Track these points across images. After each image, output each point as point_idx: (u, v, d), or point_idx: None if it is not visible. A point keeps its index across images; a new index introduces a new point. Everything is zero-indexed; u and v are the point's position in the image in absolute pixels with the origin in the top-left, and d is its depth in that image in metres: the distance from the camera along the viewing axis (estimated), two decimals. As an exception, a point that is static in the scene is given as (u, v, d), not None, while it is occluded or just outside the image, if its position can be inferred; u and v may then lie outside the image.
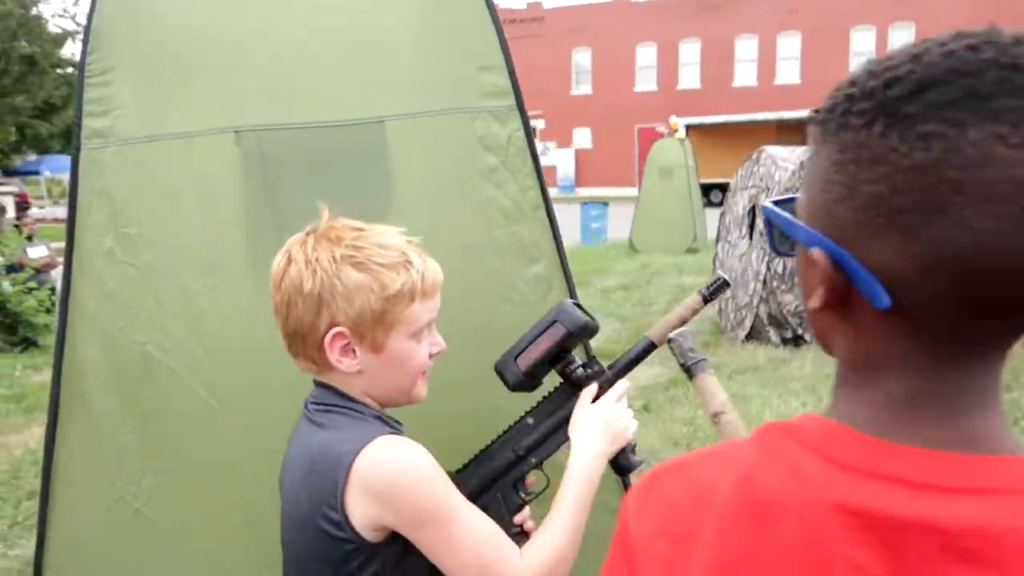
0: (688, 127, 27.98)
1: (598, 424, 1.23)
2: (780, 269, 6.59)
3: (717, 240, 8.30)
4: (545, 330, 1.27)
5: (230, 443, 1.54)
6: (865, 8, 31.18)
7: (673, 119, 27.20)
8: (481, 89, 1.59)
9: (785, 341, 6.64)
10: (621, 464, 1.26)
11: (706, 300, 1.35)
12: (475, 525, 1.06)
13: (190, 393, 1.52)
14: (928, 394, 0.56)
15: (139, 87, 1.58)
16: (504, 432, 1.24)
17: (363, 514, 1.01)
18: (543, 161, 30.51)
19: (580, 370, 1.28)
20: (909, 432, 0.55)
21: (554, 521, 1.14)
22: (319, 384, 1.15)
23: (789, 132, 27.47)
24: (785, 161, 6.87)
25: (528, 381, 1.26)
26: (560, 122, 36.90)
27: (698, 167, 15.25)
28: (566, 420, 1.26)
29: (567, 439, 1.25)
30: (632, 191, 15.78)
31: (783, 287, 6.59)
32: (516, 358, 1.25)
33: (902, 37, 31.29)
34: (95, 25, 1.54)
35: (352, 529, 1.01)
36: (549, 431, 1.25)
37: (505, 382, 1.25)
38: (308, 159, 1.58)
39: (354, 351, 1.09)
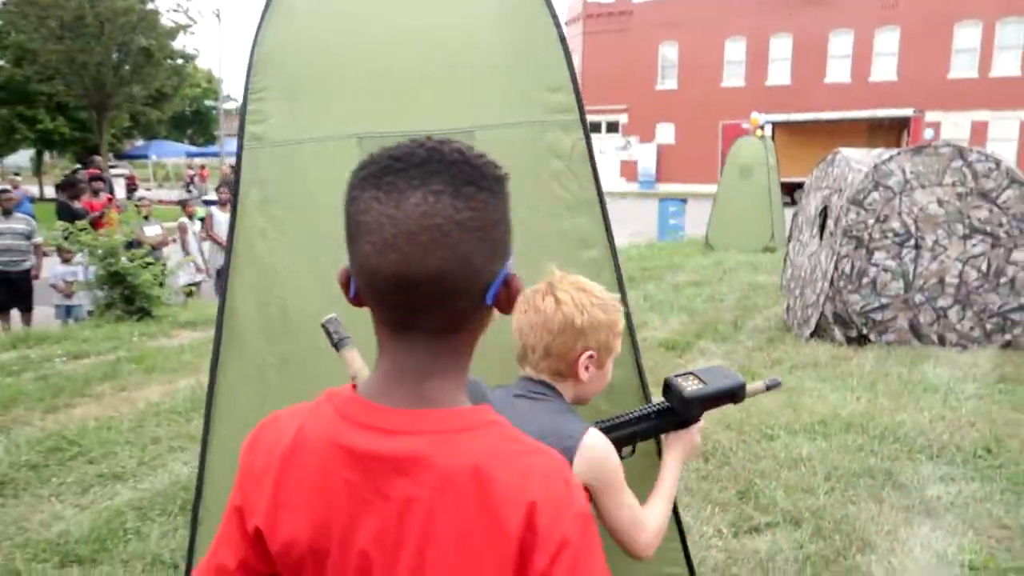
0: (775, 124, 27.54)
1: (690, 449, 1.76)
2: (848, 269, 6.75)
3: (789, 239, 8.45)
4: (726, 396, 1.74)
5: (347, 380, 2.00)
6: (972, 1, 29.96)
7: (754, 115, 26.84)
8: (551, 106, 2.00)
9: (849, 340, 6.80)
10: None
11: (767, 388, 1.91)
12: (631, 495, 1.54)
13: (317, 338, 1.99)
14: (394, 367, 0.88)
15: (286, 102, 2.05)
16: (637, 412, 1.70)
17: (579, 474, 1.47)
18: (624, 156, 30.38)
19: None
20: (386, 395, 0.88)
21: (660, 498, 1.65)
22: (534, 381, 1.57)
23: (881, 131, 26.74)
24: (859, 163, 7.00)
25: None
26: (644, 117, 36.82)
27: (780, 166, 15.19)
28: (665, 427, 1.74)
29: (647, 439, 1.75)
30: (714, 188, 15.80)
31: (849, 287, 6.75)
32: (702, 404, 1.71)
33: (1012, 32, 29.94)
34: (257, 54, 2.02)
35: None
36: (644, 433, 1.71)
37: (683, 412, 1.70)
38: (412, 160, 2.02)
39: (588, 368, 1.56)
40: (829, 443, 4.43)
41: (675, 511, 2.05)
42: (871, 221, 6.70)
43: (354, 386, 0.92)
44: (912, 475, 4.04)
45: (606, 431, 1.59)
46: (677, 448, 1.72)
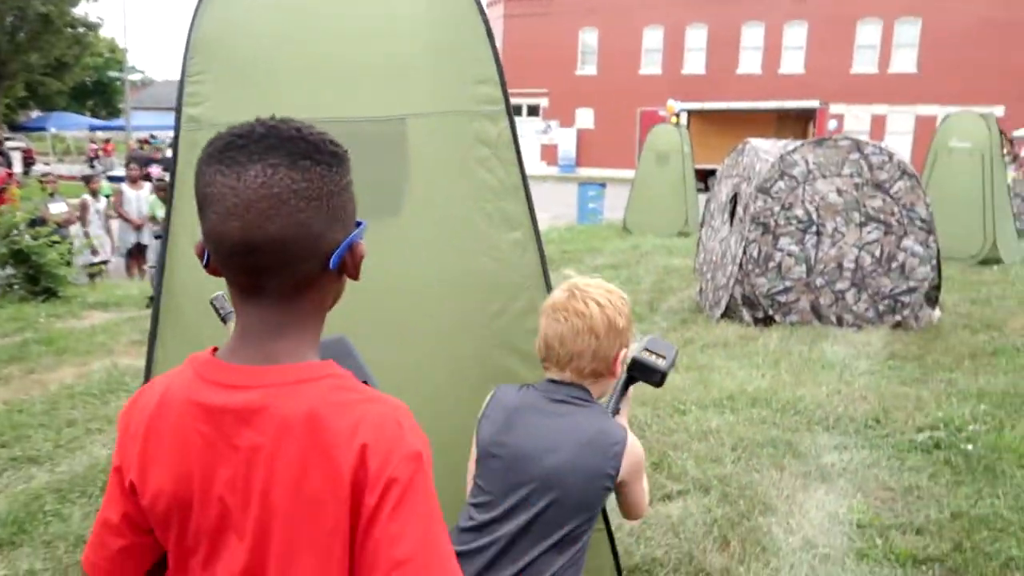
0: (690, 112, 28.33)
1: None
2: (755, 254, 7.12)
3: (702, 224, 8.81)
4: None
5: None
6: (873, 0, 31.41)
7: (671, 102, 27.56)
8: (478, 97, 2.11)
9: (756, 321, 7.18)
10: None
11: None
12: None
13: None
14: (245, 329, 0.96)
15: (224, 86, 2.09)
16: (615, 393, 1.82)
17: (621, 472, 1.60)
18: (545, 140, 30.47)
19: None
20: (237, 355, 0.95)
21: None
22: (569, 384, 1.66)
23: (789, 121, 27.86)
24: (767, 154, 7.37)
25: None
26: (564, 101, 37.17)
27: (695, 153, 15.72)
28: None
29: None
30: (632, 173, 16.19)
31: (757, 271, 7.12)
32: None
33: (908, 31, 31.56)
34: (194, 38, 2.06)
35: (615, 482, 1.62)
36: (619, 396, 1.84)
37: (652, 379, 1.83)
38: (350, 145, 2.09)
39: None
40: (736, 416, 4.72)
41: (603, 511, 2.23)
42: (777, 208, 7.07)
43: (214, 349, 0.99)
44: (810, 444, 4.36)
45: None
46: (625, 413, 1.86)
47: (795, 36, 33.21)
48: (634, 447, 1.64)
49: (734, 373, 5.59)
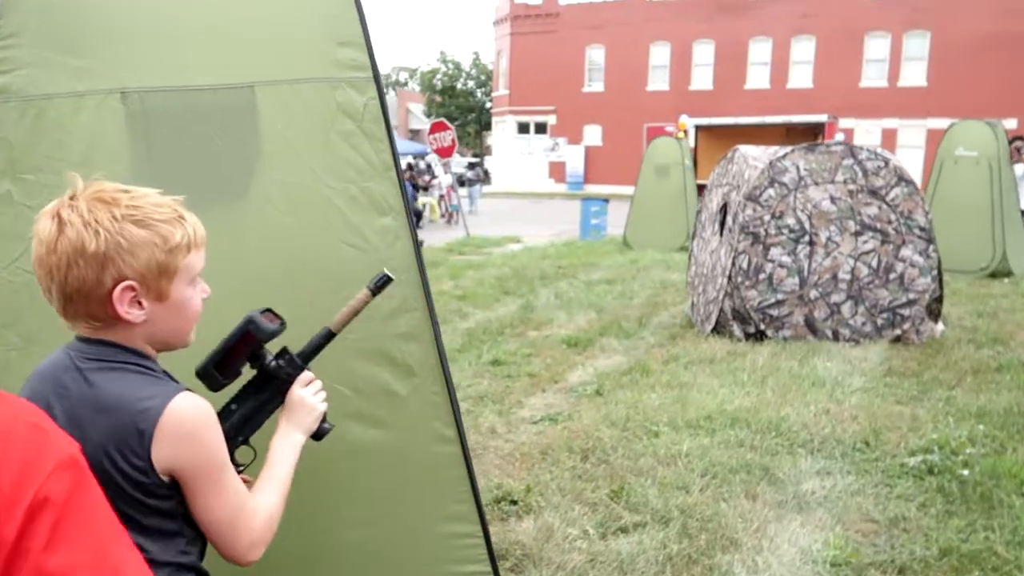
0: (698, 128, 28.03)
1: (297, 412, 1.44)
2: (745, 265, 6.74)
3: (692, 236, 8.45)
4: (239, 340, 1.41)
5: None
6: (881, 14, 31.07)
7: (683, 119, 27.30)
8: (341, 61, 1.79)
9: (748, 336, 6.79)
10: (317, 434, 1.49)
11: (373, 293, 1.56)
12: (237, 484, 1.27)
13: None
14: None
15: (39, 51, 1.78)
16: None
17: (162, 458, 1.16)
18: (553, 157, 30.51)
19: (273, 363, 1.45)
20: None
21: (270, 491, 1.35)
22: (93, 341, 1.22)
23: (797, 136, 27.43)
24: (756, 160, 7.01)
25: (230, 382, 1.43)
26: (571, 118, 37.01)
27: (702, 168, 15.42)
28: (264, 404, 1.45)
29: (264, 419, 1.46)
30: (638, 189, 15.86)
31: (747, 283, 6.74)
32: (217, 368, 1.40)
33: (917, 45, 31.18)
34: (0, -5, 1.75)
35: (155, 472, 1.17)
36: (251, 414, 1.43)
37: (210, 387, 1.40)
38: (186, 118, 1.77)
39: (140, 302, 1.20)
40: (711, 439, 4.34)
41: (477, 501, 1.85)
42: (767, 217, 6.70)
43: None
44: (789, 470, 3.96)
45: None
46: (282, 420, 1.45)
47: (803, 50, 32.91)
48: (186, 412, 1.18)
49: (715, 391, 5.20)
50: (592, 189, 34.30)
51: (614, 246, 14.86)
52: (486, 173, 39.11)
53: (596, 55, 36.96)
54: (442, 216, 22.43)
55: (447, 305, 8.81)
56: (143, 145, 1.77)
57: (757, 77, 33.96)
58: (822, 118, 27.03)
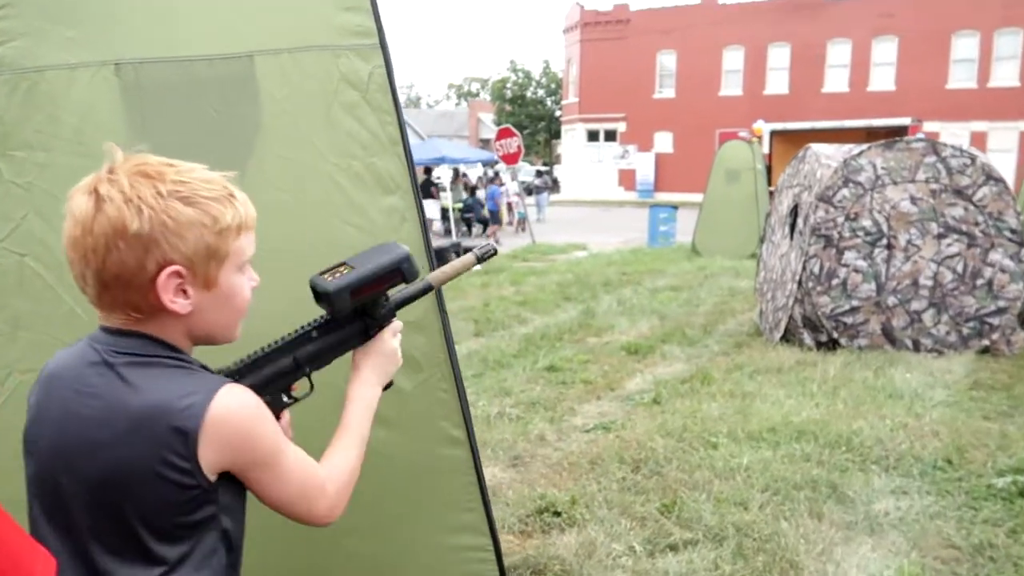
0: (773, 133, 27.21)
1: (383, 361, 1.33)
2: (816, 270, 6.37)
3: (762, 241, 8.07)
4: (388, 273, 1.29)
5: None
6: (970, 12, 29.61)
7: (758, 124, 26.51)
8: (345, 28, 1.64)
9: (819, 344, 6.40)
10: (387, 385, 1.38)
11: (479, 260, 1.45)
12: (297, 458, 1.13)
13: (58, 302, 1.62)
14: None
15: (33, 21, 1.69)
16: (285, 339, 1.26)
17: (211, 459, 1.03)
18: (623, 164, 30.19)
19: (383, 309, 1.32)
20: None
21: (345, 446, 1.24)
22: (126, 333, 1.08)
23: (879, 140, 26.37)
24: (829, 159, 6.63)
25: (349, 311, 1.28)
26: (641, 125, 36.48)
27: (777, 174, 14.85)
28: (346, 340, 1.30)
29: (335, 357, 1.30)
30: (712, 197, 15.42)
31: (818, 288, 6.36)
32: (352, 293, 1.26)
33: (1009, 43, 29.58)
34: (-9, -38, 1.66)
35: (202, 474, 1.03)
36: (328, 348, 1.28)
37: (332, 309, 1.27)
38: (183, 90, 1.66)
39: (185, 290, 1.07)
40: (774, 452, 4.03)
41: (487, 510, 1.67)
42: (841, 219, 6.32)
43: None
44: (861, 488, 3.64)
45: (247, 375, 1.19)
46: (365, 366, 1.31)
47: (884, 52, 31.64)
48: (230, 411, 1.04)
49: (781, 402, 4.88)
50: (663, 197, 33.68)
51: (682, 253, 14.48)
52: (555, 181, 38.93)
53: (667, 61, 36.37)
54: (508, 224, 22.35)
55: (506, 311, 8.66)
56: (138, 119, 1.66)
57: (835, 80, 32.82)
58: (905, 121, 25.82)
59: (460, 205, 20.51)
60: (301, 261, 1.63)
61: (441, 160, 19.60)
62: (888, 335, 6.30)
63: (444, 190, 20.11)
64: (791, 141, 27.83)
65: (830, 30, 32.22)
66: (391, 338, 1.33)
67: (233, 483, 1.09)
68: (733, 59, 34.81)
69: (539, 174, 31.27)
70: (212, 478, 1.05)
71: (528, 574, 2.90)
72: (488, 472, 3.95)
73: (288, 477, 1.11)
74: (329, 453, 1.22)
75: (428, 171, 19.80)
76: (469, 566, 1.68)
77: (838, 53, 32.58)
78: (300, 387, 1.27)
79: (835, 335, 6.36)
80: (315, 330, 1.28)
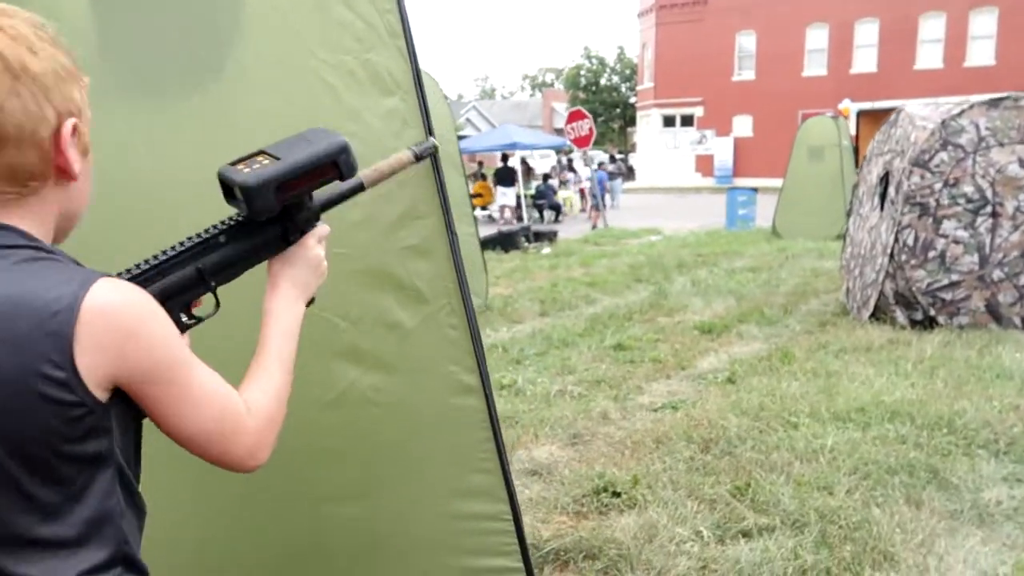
0: (860, 114, 25.96)
1: (306, 272, 1.10)
2: (911, 241, 5.82)
3: (848, 214, 7.50)
4: (320, 166, 1.05)
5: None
6: (1079, -21, 27.52)
7: (845, 103, 25.34)
8: None
9: (914, 323, 5.86)
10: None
11: (417, 158, 1.23)
12: (208, 376, 0.89)
13: None
14: None
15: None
16: (185, 244, 1.00)
17: (93, 367, 0.80)
18: (700, 150, 29.50)
19: (306, 211, 1.05)
20: None
21: (265, 374, 0.99)
22: None
23: (977, 118, 24.79)
24: (924, 120, 6.05)
25: (275, 212, 1.03)
26: (720, 109, 35.40)
27: (859, 156, 14.05)
28: (261, 247, 1.04)
29: (247, 268, 1.04)
30: (796, 182, 14.71)
31: (913, 262, 5.81)
32: (278, 189, 1.01)
33: (1124, 11, 27.37)
34: None
35: (85, 389, 0.80)
36: (239, 256, 1.02)
37: (251, 207, 1.01)
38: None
39: (77, 151, 0.87)
40: (863, 433, 3.62)
41: (504, 472, 1.38)
42: (938, 185, 5.75)
43: None
44: (966, 474, 3.20)
45: (140, 282, 0.92)
46: (284, 278, 1.06)
47: (983, 25, 29.73)
48: (110, 304, 0.79)
49: (871, 380, 4.42)
50: (742, 183, 32.61)
51: (761, 236, 13.87)
52: (630, 169, 38.23)
53: (747, 42, 35.15)
54: (582, 210, 21.97)
55: (574, 291, 8.36)
56: (105, 14, 1.44)
57: (929, 56, 31.04)
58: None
59: (532, 192, 20.26)
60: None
61: (512, 146, 19.34)
62: (993, 312, 5.70)
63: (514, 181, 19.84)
64: (881, 121, 26.54)
65: (923, 3, 30.47)
66: (315, 245, 1.10)
67: (131, 408, 0.84)
68: (817, 37, 33.38)
69: (612, 159, 30.72)
70: (100, 396, 0.80)
71: (580, 558, 2.61)
72: (543, 450, 3.68)
73: (198, 399, 0.86)
74: (246, 383, 0.96)
75: (505, 158, 19.56)
76: (482, 539, 1.40)
77: (931, 27, 30.79)
78: (204, 305, 1.01)
79: (932, 312, 5.81)
80: (223, 234, 1.02)
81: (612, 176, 25.49)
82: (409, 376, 1.36)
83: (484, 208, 20.68)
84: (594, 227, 17.01)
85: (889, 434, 3.59)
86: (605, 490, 3.10)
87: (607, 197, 23.51)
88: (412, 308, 1.35)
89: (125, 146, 1.38)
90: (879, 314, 6.12)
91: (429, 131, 1.37)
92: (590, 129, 17.28)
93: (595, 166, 20.58)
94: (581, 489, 3.13)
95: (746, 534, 2.72)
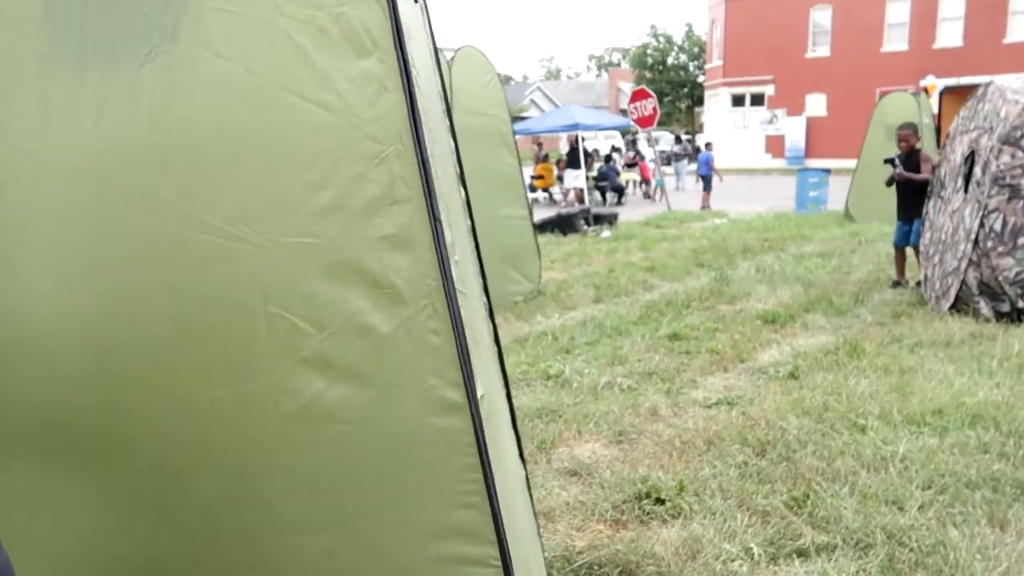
0: (944, 91, 24.67)
1: None
2: (998, 227, 5.35)
3: (928, 196, 6.99)
4: None
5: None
6: None
7: (929, 79, 24.05)
8: None
9: (1000, 315, 5.39)
10: None
11: None
12: None
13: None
14: None
15: None
16: None
17: None
18: (770, 130, 28.57)
19: None
20: None
21: None
22: None
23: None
24: (1017, 94, 5.54)
25: None
26: (792, 88, 34.12)
27: (941, 135, 13.25)
28: None
29: None
30: (873, 164, 14.00)
31: (1000, 249, 5.34)
32: None
33: None
34: None
35: None
36: None
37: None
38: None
39: None
40: (941, 440, 3.27)
41: (492, 508, 1.17)
42: (1032, 164, 5.25)
43: None
44: (1059, 490, 2.84)
45: None
46: None
47: (1083, -7, 27.79)
48: None
49: (950, 379, 4.04)
50: (814, 164, 31.45)
51: (833, 219, 13.25)
52: (696, 150, 37.32)
53: (821, 17, 33.75)
54: (645, 194, 21.48)
55: (632, 276, 8.07)
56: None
57: (1020, 28, 29.24)
58: (1108, 70, 22.61)
59: (595, 174, 19.88)
60: (248, 159, 1.18)
61: (574, 127, 18.95)
62: (1091, 305, 5.20)
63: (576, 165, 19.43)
64: (966, 99, 25.12)
65: (1015, -29, 28.66)
66: None
67: None
68: (898, 11, 31.79)
69: (678, 140, 29.99)
70: None
71: (616, 574, 2.38)
72: (586, 448, 3.46)
73: None
74: None
75: (575, 140, 19.19)
76: (452, 547, 1.18)
77: (1024, -3, 28.96)
78: None
79: (1020, 304, 5.33)
80: None
81: (677, 157, 24.85)
82: (383, 390, 1.16)
83: (546, 190, 20.40)
84: (704, 207, 16.82)
85: (970, 442, 3.23)
86: (648, 496, 2.86)
87: (672, 179, 22.93)
88: (388, 310, 1.15)
89: (74, 118, 1.21)
90: (960, 305, 5.66)
91: (411, 96, 1.15)
92: (654, 109, 16.77)
93: (703, 147, 20.06)
94: (622, 494, 2.89)
95: (802, 553, 2.44)
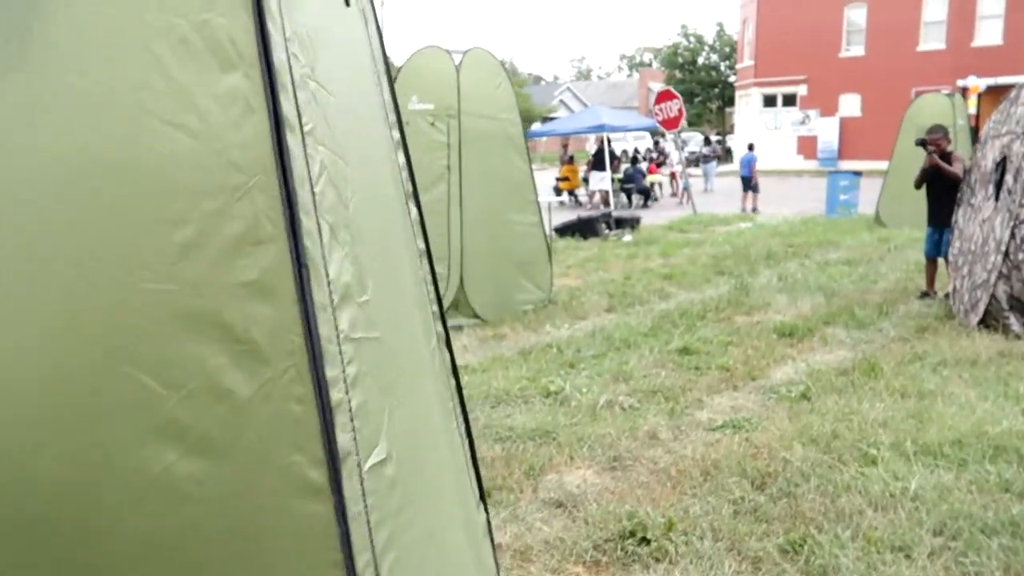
0: (983, 91, 24.04)
1: None
2: (1031, 237, 5.05)
3: (958, 205, 6.67)
4: None
5: None
6: None
7: (971, 80, 23.45)
8: None
9: (1031, 332, 5.10)
10: None
11: None
12: None
13: None
14: None
15: None
16: None
17: None
18: (803, 131, 28.06)
19: None
20: None
21: None
22: None
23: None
24: (1053, 97, 5.23)
25: None
26: (825, 88, 33.48)
27: (978, 130, 12.82)
28: None
29: None
30: (905, 165, 13.60)
31: (1033, 261, 5.04)
32: None
33: None
34: None
35: None
36: None
37: None
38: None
39: None
40: (957, 476, 3.03)
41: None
42: (1067, 173, 4.95)
43: None
44: (1088, 537, 2.59)
45: None
46: None
47: None
48: None
49: (972, 405, 3.78)
50: (848, 166, 30.82)
51: (862, 224, 12.88)
52: (726, 151, 36.77)
53: (856, 15, 33.09)
54: (672, 195, 21.16)
55: (648, 284, 7.84)
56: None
57: (1064, 26, 28.37)
58: None
59: (620, 176, 19.63)
60: (92, 191, 1.01)
61: (600, 128, 18.70)
62: None
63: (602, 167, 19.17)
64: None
65: (1059, -33, 27.81)
66: None
67: None
68: (935, 9, 31.04)
69: (707, 142, 29.60)
70: None
71: (588, 626, 2.19)
72: (577, 475, 3.27)
73: None
74: None
75: (602, 141, 18.94)
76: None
77: (1069, -6, 28.08)
78: None
79: (1054, 321, 5.03)
80: None
81: (707, 159, 24.48)
82: (241, 465, 0.98)
83: (571, 192, 20.17)
84: (753, 210, 16.62)
85: (990, 478, 2.98)
86: (633, 534, 2.66)
87: (701, 181, 22.57)
88: (248, 369, 0.98)
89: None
90: (989, 320, 5.36)
91: (278, 118, 0.97)
92: (679, 110, 16.47)
93: (746, 148, 19.76)
94: (605, 532, 2.70)
95: (794, 608, 2.23)
